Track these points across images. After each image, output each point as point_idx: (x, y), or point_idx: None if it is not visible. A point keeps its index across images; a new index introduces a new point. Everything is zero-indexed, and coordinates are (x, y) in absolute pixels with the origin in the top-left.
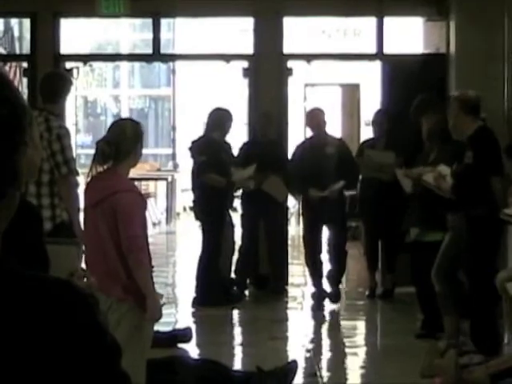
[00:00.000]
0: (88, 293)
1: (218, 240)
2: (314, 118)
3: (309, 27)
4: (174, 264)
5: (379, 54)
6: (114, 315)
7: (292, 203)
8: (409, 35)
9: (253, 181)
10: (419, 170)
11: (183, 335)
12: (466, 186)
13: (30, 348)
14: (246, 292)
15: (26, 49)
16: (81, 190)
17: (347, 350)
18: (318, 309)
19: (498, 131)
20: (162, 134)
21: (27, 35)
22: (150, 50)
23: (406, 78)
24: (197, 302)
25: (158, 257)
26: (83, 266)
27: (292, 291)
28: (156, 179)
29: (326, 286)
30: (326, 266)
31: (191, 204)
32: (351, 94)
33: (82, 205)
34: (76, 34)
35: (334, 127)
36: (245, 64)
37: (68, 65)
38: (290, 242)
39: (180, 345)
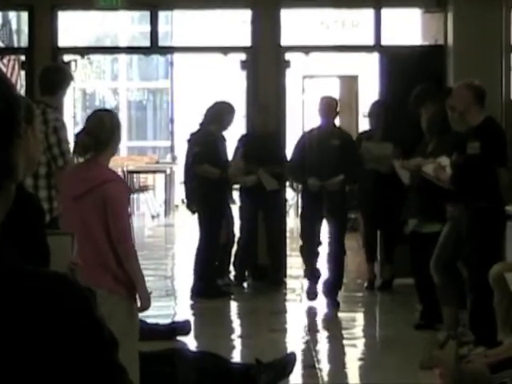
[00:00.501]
0: (85, 286)
1: (215, 232)
2: (325, 106)
3: (307, 19)
4: (173, 256)
5: (377, 46)
6: (105, 306)
7: (290, 195)
8: (407, 27)
9: (251, 177)
10: (417, 161)
11: (182, 328)
12: (468, 176)
13: (27, 342)
14: (245, 284)
15: (24, 42)
16: None
17: (346, 342)
18: (313, 292)
19: None
20: (160, 126)
21: (25, 28)
22: (148, 43)
23: (404, 69)
24: (195, 294)
25: (157, 249)
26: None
27: (291, 283)
28: (154, 172)
29: (321, 274)
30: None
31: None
32: (349, 85)
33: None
34: (74, 26)
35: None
36: (243, 56)
37: (66, 57)
38: (288, 234)
39: (179, 337)
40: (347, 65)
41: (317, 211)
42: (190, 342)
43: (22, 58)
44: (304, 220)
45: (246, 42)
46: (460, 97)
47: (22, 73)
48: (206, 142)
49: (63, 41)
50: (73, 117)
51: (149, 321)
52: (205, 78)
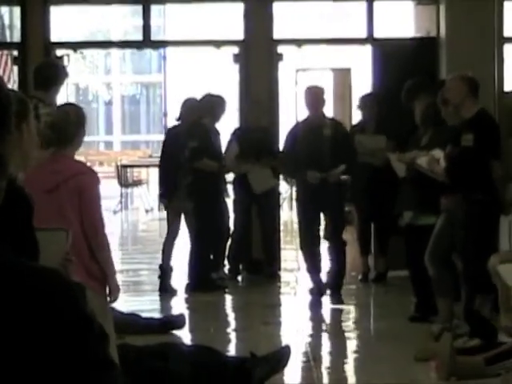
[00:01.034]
0: (75, 281)
1: (209, 226)
2: (312, 96)
3: (299, 12)
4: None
5: (370, 38)
6: None
7: (284, 188)
8: (399, 19)
9: (244, 165)
10: (413, 154)
11: (176, 321)
12: (463, 168)
13: (16, 337)
14: (239, 277)
15: (17, 37)
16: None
17: (340, 335)
18: (316, 305)
19: None
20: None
21: (17, 23)
22: (140, 37)
23: (397, 61)
24: (189, 288)
25: (151, 243)
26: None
27: (285, 276)
28: (148, 166)
29: (325, 279)
30: (325, 260)
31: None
32: (342, 78)
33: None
34: (67, 21)
35: (326, 112)
36: (235, 50)
37: (59, 52)
38: (282, 227)
39: (173, 331)
40: (340, 57)
41: (315, 205)
42: (185, 335)
43: (15, 53)
44: (302, 215)
45: (239, 35)
46: (454, 89)
47: (15, 68)
48: (202, 136)
49: (56, 35)
50: None
51: (143, 315)
52: (198, 71)
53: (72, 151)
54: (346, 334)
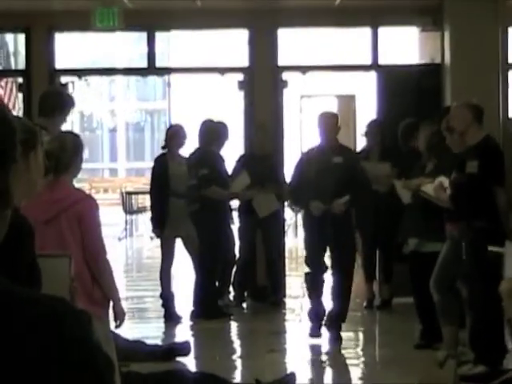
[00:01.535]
0: (82, 310)
1: (215, 253)
2: (324, 123)
3: (303, 38)
4: (174, 278)
5: (374, 65)
6: None
7: (289, 215)
8: (404, 46)
9: (253, 191)
10: (418, 181)
11: (181, 349)
12: (468, 195)
13: (23, 366)
14: (244, 304)
15: (21, 64)
16: None
17: (346, 361)
18: (316, 333)
19: None
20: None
21: (22, 50)
22: (145, 64)
23: (401, 88)
24: (195, 316)
25: (155, 270)
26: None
27: (290, 303)
28: None
29: (327, 305)
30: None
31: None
32: (347, 104)
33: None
34: (71, 48)
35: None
36: (240, 76)
37: (63, 79)
38: (287, 254)
39: (178, 358)
40: (345, 84)
41: (321, 237)
42: (190, 363)
43: (20, 80)
44: (308, 248)
45: (243, 62)
46: (460, 117)
47: (20, 95)
48: (212, 164)
49: (60, 63)
50: None
51: (148, 342)
52: (202, 98)
53: (69, 179)
54: (351, 361)
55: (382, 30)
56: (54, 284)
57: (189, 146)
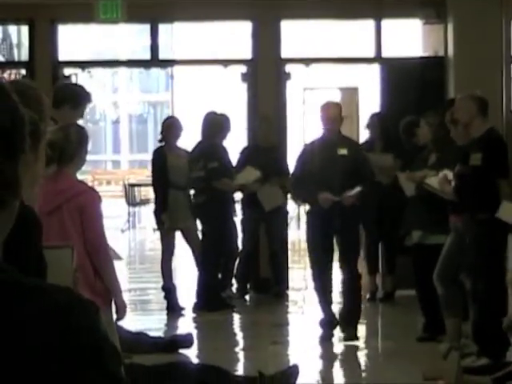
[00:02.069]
0: (89, 300)
1: (219, 245)
2: (327, 113)
3: (307, 31)
4: (175, 270)
5: (378, 58)
6: None
7: (292, 207)
8: (407, 38)
9: (258, 183)
10: (422, 173)
11: (184, 341)
12: (472, 188)
13: (29, 356)
14: (247, 296)
15: (25, 56)
16: None
17: (349, 354)
18: (326, 338)
19: None
20: None
21: (25, 42)
22: (148, 56)
23: (404, 80)
24: (197, 308)
25: (158, 262)
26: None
27: (292, 295)
28: None
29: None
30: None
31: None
32: (350, 97)
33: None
34: (74, 40)
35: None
36: (243, 69)
37: (67, 71)
38: (290, 247)
39: (181, 350)
40: (348, 77)
41: (329, 232)
42: (193, 355)
43: (23, 71)
44: (312, 241)
45: (247, 54)
46: (464, 109)
47: None
48: (220, 156)
49: (64, 54)
50: None
51: (151, 334)
52: (205, 90)
53: (73, 170)
54: (354, 353)
55: (386, 23)
56: (56, 275)
57: (190, 138)
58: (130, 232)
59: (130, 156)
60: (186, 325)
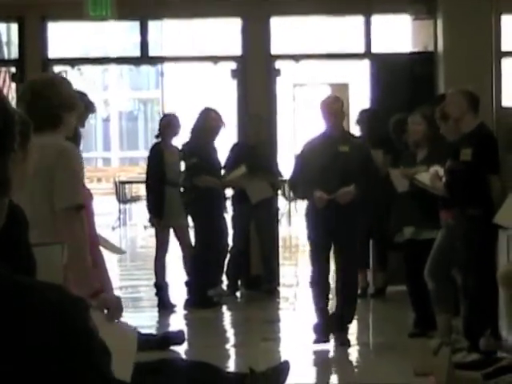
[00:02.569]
0: (80, 297)
1: (208, 242)
2: (327, 108)
3: (296, 27)
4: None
5: (367, 53)
6: None
7: (283, 203)
8: (397, 34)
9: (246, 179)
10: (416, 169)
11: (176, 338)
12: (462, 183)
13: (19, 352)
14: (238, 293)
15: (15, 53)
16: None
17: (340, 350)
18: (321, 341)
19: None
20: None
21: (15, 40)
22: (138, 53)
23: (394, 76)
24: (189, 305)
25: (150, 260)
26: None
27: (284, 292)
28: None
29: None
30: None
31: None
32: (340, 93)
33: None
34: (64, 37)
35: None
36: (233, 65)
37: (56, 69)
38: (281, 243)
39: (172, 347)
40: (338, 72)
41: (325, 232)
42: (184, 351)
43: (13, 69)
44: (312, 243)
45: (237, 50)
46: (455, 104)
47: (13, 85)
48: (202, 153)
49: (53, 52)
50: None
51: (142, 331)
52: (195, 87)
53: None
54: (345, 349)
55: (375, 18)
56: (46, 272)
57: (182, 135)
58: (120, 229)
59: (120, 153)
60: (178, 322)
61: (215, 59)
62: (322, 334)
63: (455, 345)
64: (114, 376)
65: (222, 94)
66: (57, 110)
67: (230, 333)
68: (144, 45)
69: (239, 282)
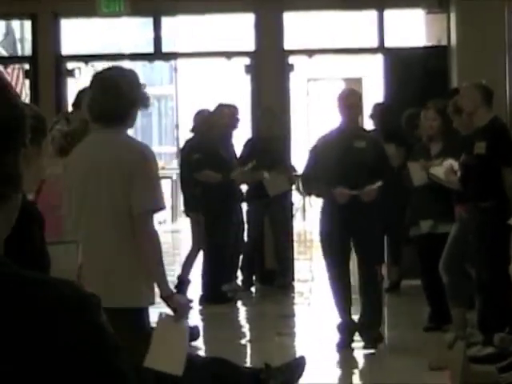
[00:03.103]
0: (91, 293)
1: (222, 236)
2: (344, 102)
3: (310, 22)
4: (180, 262)
5: (381, 48)
6: None
7: (297, 198)
8: (410, 28)
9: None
10: (432, 162)
11: (191, 333)
12: (476, 176)
13: (31, 348)
14: (253, 288)
15: (28, 50)
16: None
17: (354, 344)
18: (345, 346)
19: None
20: (165, 132)
21: (28, 37)
22: (151, 49)
23: (408, 70)
24: (203, 300)
25: (164, 255)
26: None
27: (298, 287)
28: (160, 177)
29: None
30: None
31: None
32: (354, 87)
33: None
34: (77, 34)
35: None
36: (246, 61)
37: (70, 65)
38: (295, 238)
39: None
40: (351, 67)
41: (345, 229)
42: (199, 347)
43: (26, 66)
44: (328, 242)
45: (250, 46)
46: (469, 97)
47: (27, 82)
48: (207, 148)
49: (67, 49)
50: None
51: None
52: (209, 82)
53: None
54: (360, 344)
55: (388, 13)
56: (60, 270)
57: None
58: None
59: None
60: (193, 317)
61: (229, 55)
62: (344, 336)
63: (470, 339)
64: (127, 371)
65: (235, 89)
66: (127, 105)
67: (245, 328)
68: (157, 41)
69: (254, 277)
